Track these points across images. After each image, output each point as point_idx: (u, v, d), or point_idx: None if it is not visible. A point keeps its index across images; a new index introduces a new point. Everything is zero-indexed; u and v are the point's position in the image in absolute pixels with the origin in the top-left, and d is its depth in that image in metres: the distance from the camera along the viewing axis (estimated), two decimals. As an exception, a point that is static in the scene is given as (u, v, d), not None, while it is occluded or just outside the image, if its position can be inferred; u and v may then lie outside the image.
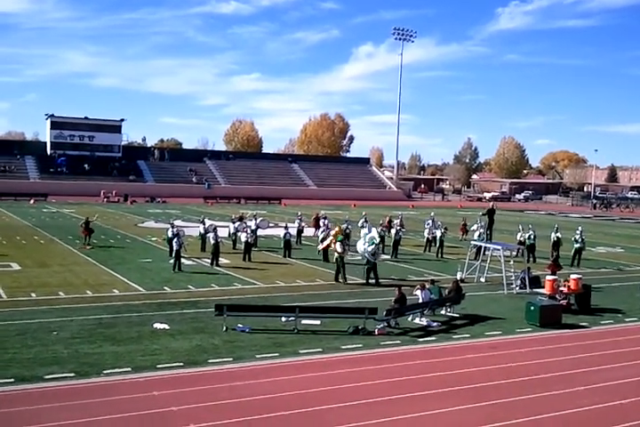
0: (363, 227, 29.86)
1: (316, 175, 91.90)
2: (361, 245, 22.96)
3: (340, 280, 22.63)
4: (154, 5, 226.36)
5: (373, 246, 22.36)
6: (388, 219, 36.01)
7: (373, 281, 22.44)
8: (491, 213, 24.01)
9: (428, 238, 32.03)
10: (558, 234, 30.39)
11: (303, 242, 32.76)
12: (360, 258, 24.26)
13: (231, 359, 13.40)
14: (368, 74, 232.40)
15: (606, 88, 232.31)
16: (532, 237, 29.48)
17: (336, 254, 23.15)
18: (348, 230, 31.30)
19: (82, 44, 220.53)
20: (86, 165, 77.10)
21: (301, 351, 14.19)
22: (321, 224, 31.29)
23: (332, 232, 27.30)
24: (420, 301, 17.83)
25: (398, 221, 32.42)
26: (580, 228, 30.61)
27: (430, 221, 32.75)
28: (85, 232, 30.09)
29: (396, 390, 11.89)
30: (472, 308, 18.93)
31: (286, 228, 29.04)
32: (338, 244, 23.18)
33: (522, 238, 29.63)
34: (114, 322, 16.05)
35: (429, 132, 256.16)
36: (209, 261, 25.40)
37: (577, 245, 28.97)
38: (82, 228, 30.36)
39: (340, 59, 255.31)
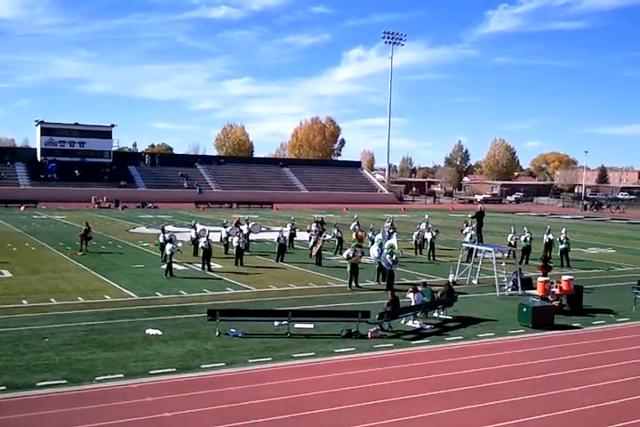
0: (359, 231, 29.99)
1: (307, 179, 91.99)
2: (375, 251, 22.92)
3: (352, 286, 22.21)
4: (144, 11, 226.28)
5: (394, 255, 22.24)
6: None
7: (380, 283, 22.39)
8: (480, 215, 24.05)
9: (415, 242, 32.02)
10: (550, 235, 30.61)
11: (295, 246, 32.75)
12: (373, 262, 24.21)
13: (224, 364, 13.37)
14: (359, 77, 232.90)
15: (596, 90, 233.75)
16: (529, 239, 29.61)
17: (344, 256, 23.01)
18: (339, 234, 31.33)
19: (73, 50, 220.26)
20: (77, 171, 76.88)
21: (295, 355, 14.17)
22: (313, 228, 31.25)
23: (327, 235, 27.43)
24: (413, 303, 17.87)
25: (389, 224, 32.42)
26: (564, 229, 30.76)
27: (424, 224, 32.79)
28: (82, 237, 29.96)
29: (390, 393, 11.89)
30: (464, 310, 18.98)
31: (281, 232, 29.07)
32: (351, 250, 23.05)
33: (512, 241, 29.76)
34: (106, 328, 16.00)
35: (420, 135, 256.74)
36: (201, 266, 25.36)
37: (562, 247, 29.16)
38: (83, 233, 30.21)
39: (331, 62, 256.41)
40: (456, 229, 37.87)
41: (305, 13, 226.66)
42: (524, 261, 28.43)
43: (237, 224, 31.27)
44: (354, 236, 27.12)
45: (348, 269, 22.44)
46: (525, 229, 30.69)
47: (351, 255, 22.44)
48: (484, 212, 24.31)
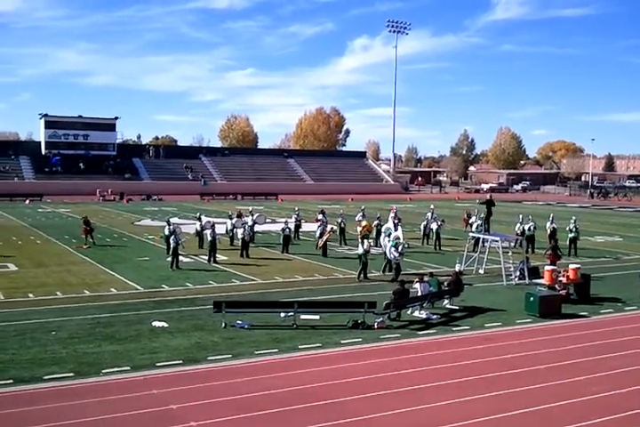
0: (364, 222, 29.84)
1: (312, 170, 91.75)
2: (386, 242, 22.76)
3: (360, 278, 22.01)
4: (146, 2, 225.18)
5: (399, 247, 22.12)
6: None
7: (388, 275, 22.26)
8: (489, 204, 23.89)
9: (423, 232, 31.97)
10: (554, 224, 30.45)
11: (301, 237, 32.70)
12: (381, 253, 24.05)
13: (230, 356, 13.35)
14: (364, 67, 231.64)
15: (603, 77, 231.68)
16: (532, 228, 29.48)
17: (361, 251, 22.27)
18: (343, 225, 31.27)
19: (75, 43, 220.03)
20: (81, 164, 76.84)
21: (301, 347, 14.15)
22: (320, 218, 31.17)
23: (359, 229, 27.22)
24: (419, 294, 17.80)
25: (393, 214, 32.26)
26: (573, 217, 30.62)
27: (429, 214, 32.71)
28: (85, 231, 29.94)
29: (397, 384, 11.85)
30: (471, 299, 18.90)
31: (286, 223, 29.00)
32: (367, 242, 22.84)
33: (518, 230, 29.61)
34: (112, 321, 15.99)
35: (426, 125, 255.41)
36: (206, 258, 25.34)
37: (571, 235, 29.02)
38: (83, 227, 30.15)
39: (335, 52, 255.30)
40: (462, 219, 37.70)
41: (308, 2, 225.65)
42: (531, 250, 28.29)
43: (240, 216, 31.25)
44: (359, 228, 26.92)
45: (364, 260, 22.15)
46: (530, 217, 30.52)
47: (365, 247, 22.31)
48: (493, 201, 24.14)
